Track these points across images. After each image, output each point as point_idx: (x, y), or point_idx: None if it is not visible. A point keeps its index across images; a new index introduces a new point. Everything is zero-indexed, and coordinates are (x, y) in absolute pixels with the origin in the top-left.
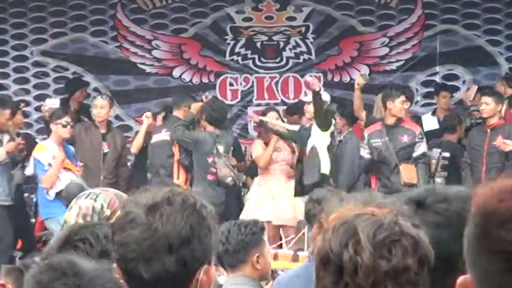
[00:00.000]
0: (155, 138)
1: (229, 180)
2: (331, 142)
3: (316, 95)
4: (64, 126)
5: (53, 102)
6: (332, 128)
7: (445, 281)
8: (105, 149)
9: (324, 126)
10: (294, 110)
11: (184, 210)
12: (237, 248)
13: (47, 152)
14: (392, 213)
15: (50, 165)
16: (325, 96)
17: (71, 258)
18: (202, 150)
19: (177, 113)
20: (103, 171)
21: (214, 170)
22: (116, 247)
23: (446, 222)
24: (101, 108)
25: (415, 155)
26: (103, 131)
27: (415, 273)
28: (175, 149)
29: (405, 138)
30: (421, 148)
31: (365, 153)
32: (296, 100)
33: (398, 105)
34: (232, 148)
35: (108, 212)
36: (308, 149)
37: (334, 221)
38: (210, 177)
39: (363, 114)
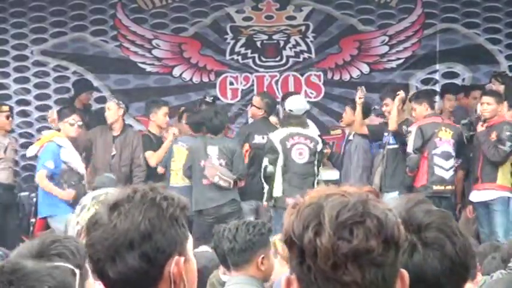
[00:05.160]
0: (259, 139)
1: (216, 180)
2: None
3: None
4: (71, 124)
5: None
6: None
7: None
8: (113, 152)
9: None
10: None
11: (142, 205)
12: (244, 247)
13: (64, 147)
14: (363, 193)
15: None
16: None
17: (17, 260)
18: (195, 156)
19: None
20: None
21: (206, 174)
22: (86, 249)
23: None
24: (108, 109)
25: None
26: (115, 133)
27: (379, 254)
28: None
29: None
30: None
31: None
32: None
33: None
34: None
35: None
36: None
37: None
38: (205, 181)
39: (364, 129)
